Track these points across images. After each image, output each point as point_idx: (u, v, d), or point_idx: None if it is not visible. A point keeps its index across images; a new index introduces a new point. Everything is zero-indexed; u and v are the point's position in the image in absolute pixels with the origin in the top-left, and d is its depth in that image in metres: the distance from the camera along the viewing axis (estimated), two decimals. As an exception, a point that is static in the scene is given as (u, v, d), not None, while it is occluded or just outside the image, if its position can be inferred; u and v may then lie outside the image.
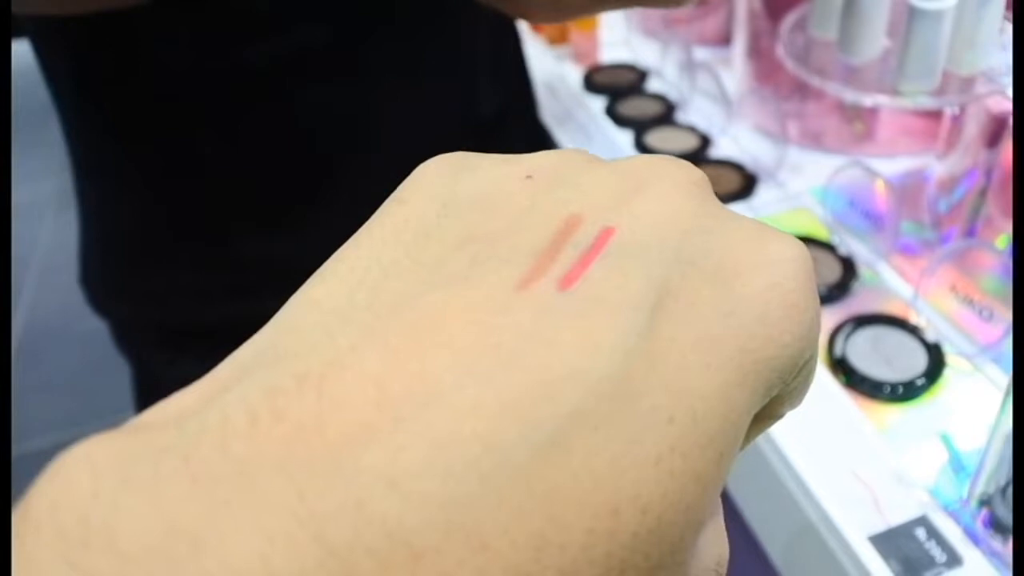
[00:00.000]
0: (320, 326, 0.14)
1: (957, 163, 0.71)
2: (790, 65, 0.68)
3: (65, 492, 0.12)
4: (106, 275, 0.66)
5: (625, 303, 0.15)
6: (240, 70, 0.55)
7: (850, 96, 0.65)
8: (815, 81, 0.65)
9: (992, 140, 0.66)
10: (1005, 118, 0.64)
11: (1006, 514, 0.50)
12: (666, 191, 0.18)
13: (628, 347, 0.14)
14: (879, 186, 0.69)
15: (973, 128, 0.68)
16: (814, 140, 0.86)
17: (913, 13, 0.59)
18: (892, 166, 0.83)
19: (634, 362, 0.14)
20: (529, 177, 0.18)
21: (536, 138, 0.84)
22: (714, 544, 0.16)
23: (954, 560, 0.51)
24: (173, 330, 0.66)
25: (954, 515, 0.53)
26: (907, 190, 0.78)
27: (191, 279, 0.63)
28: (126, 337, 0.69)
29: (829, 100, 0.85)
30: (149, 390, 0.71)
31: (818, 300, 0.17)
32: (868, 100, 0.63)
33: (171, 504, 0.12)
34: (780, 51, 0.70)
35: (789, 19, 0.73)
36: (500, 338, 0.14)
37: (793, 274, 0.16)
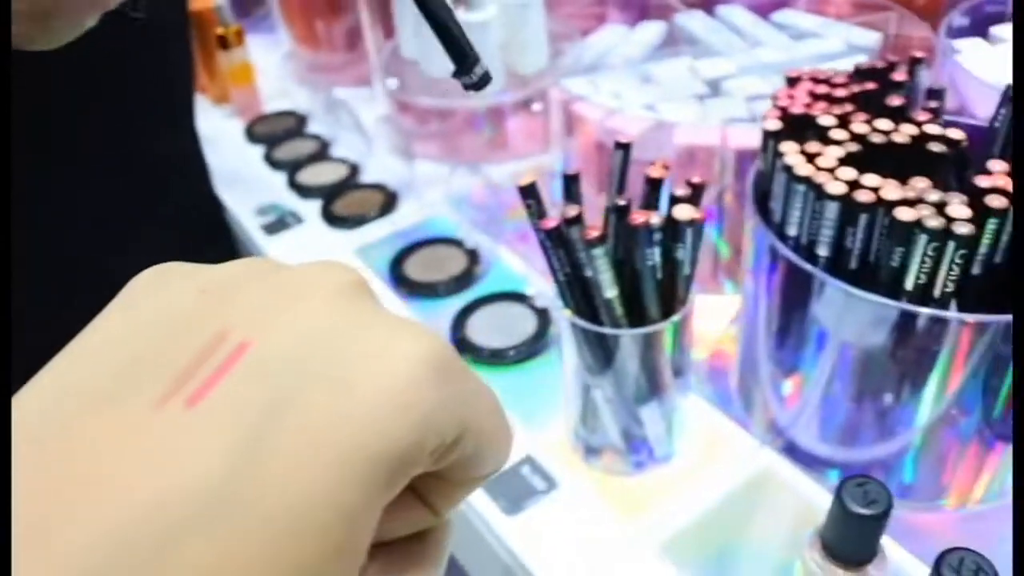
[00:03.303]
0: (15, 453, 0.16)
1: (557, 154, 0.81)
2: (386, 84, 0.75)
3: None
4: None
5: (239, 416, 0.17)
6: None
7: (431, 103, 0.73)
8: (400, 95, 0.72)
9: (569, 129, 0.76)
10: (570, 109, 0.73)
11: (587, 436, 0.58)
12: (313, 302, 0.20)
13: (237, 457, 0.16)
14: (487, 185, 0.77)
15: (558, 122, 0.78)
16: (454, 154, 0.95)
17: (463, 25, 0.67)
18: (524, 164, 0.92)
19: (243, 471, 0.16)
20: (204, 291, 0.20)
21: (207, 206, 0.87)
22: None
23: (552, 485, 0.58)
24: None
25: (555, 449, 0.60)
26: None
27: None
28: None
29: (460, 116, 0.93)
30: None
31: (450, 386, 0.19)
32: (444, 103, 0.71)
33: None
34: (379, 72, 0.77)
35: (388, 45, 0.80)
36: (124, 461, 0.16)
37: (410, 373, 0.18)
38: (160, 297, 0.20)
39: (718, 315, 0.71)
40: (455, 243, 0.79)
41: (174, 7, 0.72)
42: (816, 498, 0.57)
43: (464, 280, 0.75)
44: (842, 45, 0.80)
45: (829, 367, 0.53)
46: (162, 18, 0.70)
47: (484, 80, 0.41)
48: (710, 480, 0.58)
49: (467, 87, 0.41)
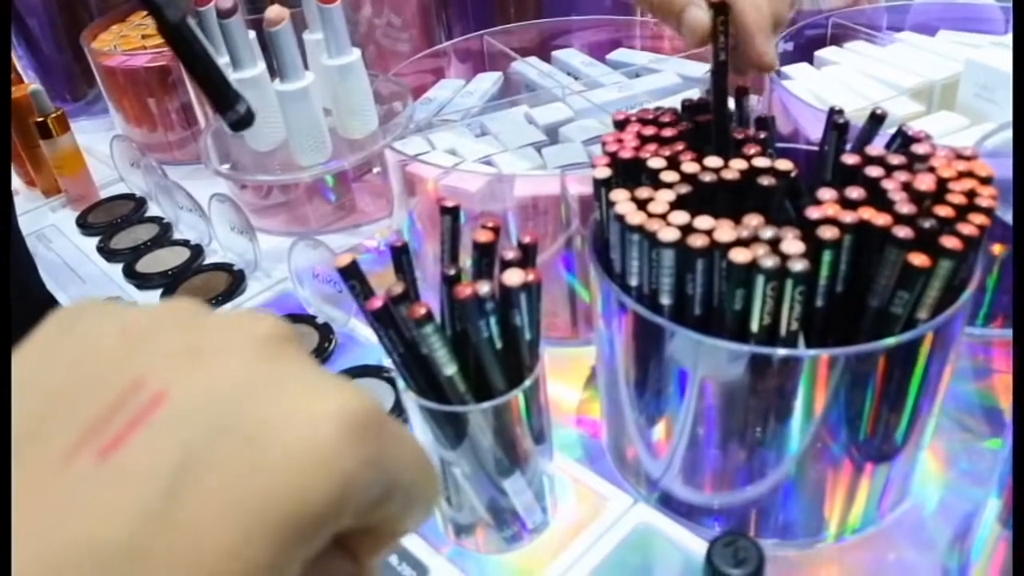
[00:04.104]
0: None
1: (402, 216, 0.78)
2: (212, 164, 0.71)
3: None
4: None
5: (151, 471, 0.16)
6: None
7: (261, 180, 0.69)
8: (226, 175, 0.68)
9: (410, 190, 0.73)
10: (406, 170, 0.71)
11: (455, 515, 0.55)
12: (234, 354, 0.19)
13: (148, 512, 0.16)
14: (331, 255, 0.73)
15: (397, 184, 0.75)
16: (303, 223, 0.91)
17: (280, 96, 0.64)
18: (376, 227, 0.89)
19: (153, 526, 0.16)
20: (124, 333, 0.19)
21: (40, 309, 0.81)
22: None
23: (422, 571, 0.54)
24: None
25: (422, 533, 0.57)
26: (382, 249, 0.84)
27: None
28: None
29: (304, 187, 0.90)
30: None
31: (373, 444, 0.18)
32: (274, 179, 0.68)
33: None
34: (203, 150, 0.73)
35: (210, 128, 0.76)
36: (35, 511, 0.15)
37: (330, 430, 0.18)
38: (80, 335, 0.19)
39: (583, 367, 0.69)
40: (306, 319, 0.75)
41: None
42: (699, 550, 0.54)
43: (317, 357, 0.71)
44: (676, 79, 0.79)
45: (692, 410, 0.51)
46: None
47: (247, 117, 0.39)
48: (588, 545, 0.55)
49: (230, 125, 0.38)
